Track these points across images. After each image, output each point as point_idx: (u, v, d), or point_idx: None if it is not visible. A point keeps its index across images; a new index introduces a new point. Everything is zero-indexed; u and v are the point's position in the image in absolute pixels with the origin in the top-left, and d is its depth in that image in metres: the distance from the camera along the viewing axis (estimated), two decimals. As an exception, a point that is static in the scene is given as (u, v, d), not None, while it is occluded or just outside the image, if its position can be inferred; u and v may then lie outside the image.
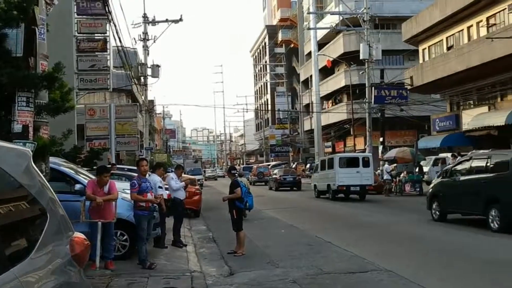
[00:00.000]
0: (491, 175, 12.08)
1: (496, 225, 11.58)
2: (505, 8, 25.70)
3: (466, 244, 10.45)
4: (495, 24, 27.02)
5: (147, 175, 9.40)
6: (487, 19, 27.55)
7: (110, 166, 15.86)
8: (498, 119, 25.77)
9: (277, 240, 11.71)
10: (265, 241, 11.41)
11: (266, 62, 76.99)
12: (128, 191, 8.79)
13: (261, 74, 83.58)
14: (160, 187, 9.98)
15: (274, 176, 35.38)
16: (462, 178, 13.29)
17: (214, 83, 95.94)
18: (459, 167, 13.97)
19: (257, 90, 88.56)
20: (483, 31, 27.65)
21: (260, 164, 59.61)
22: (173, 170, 13.33)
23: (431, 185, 15.66)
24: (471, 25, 28.97)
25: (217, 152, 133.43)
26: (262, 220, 15.12)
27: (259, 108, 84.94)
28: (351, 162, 23.88)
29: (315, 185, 26.22)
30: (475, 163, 13.17)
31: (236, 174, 10.07)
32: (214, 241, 12.03)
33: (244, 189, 9.45)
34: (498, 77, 27.09)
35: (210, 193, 29.76)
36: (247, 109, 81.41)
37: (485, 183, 12.17)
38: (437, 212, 14.09)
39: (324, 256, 9.37)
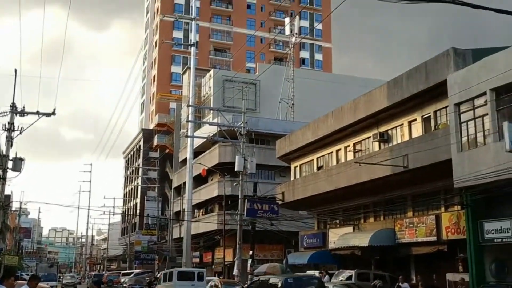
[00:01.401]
0: None
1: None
2: (370, 137, 27.89)
3: None
4: (361, 150, 29.05)
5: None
6: (354, 145, 29.60)
7: None
8: (362, 240, 26.79)
9: None
10: None
11: (139, 165, 75.56)
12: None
13: (132, 177, 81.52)
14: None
15: (124, 284, 39.05)
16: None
17: (81, 182, 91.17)
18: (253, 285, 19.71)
19: (126, 193, 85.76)
20: (350, 155, 29.55)
21: (119, 271, 56.78)
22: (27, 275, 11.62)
23: None
24: (340, 149, 30.88)
25: (76, 256, 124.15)
26: None
27: (126, 212, 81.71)
28: (188, 276, 27.36)
29: None
30: (262, 281, 19.16)
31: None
32: None
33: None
34: (362, 200, 28.65)
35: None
36: (114, 212, 77.88)
37: None
38: None
39: None
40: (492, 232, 19.02)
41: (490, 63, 18.84)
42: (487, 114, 18.74)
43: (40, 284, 16.16)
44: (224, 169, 40.75)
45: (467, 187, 19.39)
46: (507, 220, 18.50)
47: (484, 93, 18.77)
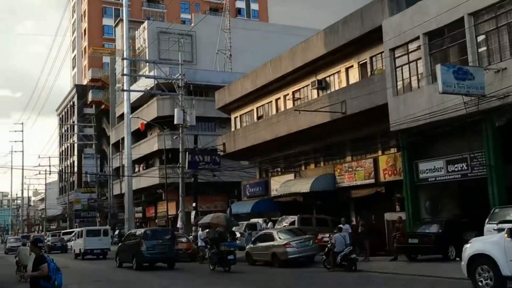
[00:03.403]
0: (135, 240, 22.93)
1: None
2: (309, 85, 28.06)
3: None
4: (300, 98, 29.26)
5: None
6: (293, 93, 29.76)
7: None
8: (303, 186, 27.36)
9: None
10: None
11: (74, 122, 73.18)
12: None
13: (68, 135, 79.02)
14: None
15: (47, 242, 43.91)
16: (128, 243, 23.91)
17: (12, 142, 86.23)
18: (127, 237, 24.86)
19: (62, 151, 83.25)
20: (290, 104, 29.73)
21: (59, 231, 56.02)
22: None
23: (118, 246, 26.41)
24: (279, 98, 30.98)
25: (12, 218, 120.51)
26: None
27: (64, 171, 79.59)
28: (95, 233, 33.18)
29: (74, 249, 35.40)
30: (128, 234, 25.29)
31: (42, 248, 8.61)
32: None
33: (52, 265, 8.01)
34: (303, 147, 29.09)
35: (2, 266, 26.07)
36: (50, 171, 75.42)
37: (130, 245, 23.30)
38: (117, 262, 24.35)
39: None
40: (426, 171, 19.88)
41: (423, 7, 19.15)
42: (420, 58, 19.20)
43: None
44: (163, 122, 40.14)
45: (403, 130, 20.02)
46: (440, 159, 19.35)
47: (418, 38, 19.16)
